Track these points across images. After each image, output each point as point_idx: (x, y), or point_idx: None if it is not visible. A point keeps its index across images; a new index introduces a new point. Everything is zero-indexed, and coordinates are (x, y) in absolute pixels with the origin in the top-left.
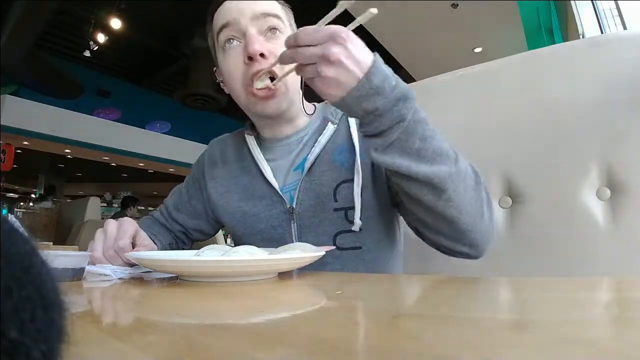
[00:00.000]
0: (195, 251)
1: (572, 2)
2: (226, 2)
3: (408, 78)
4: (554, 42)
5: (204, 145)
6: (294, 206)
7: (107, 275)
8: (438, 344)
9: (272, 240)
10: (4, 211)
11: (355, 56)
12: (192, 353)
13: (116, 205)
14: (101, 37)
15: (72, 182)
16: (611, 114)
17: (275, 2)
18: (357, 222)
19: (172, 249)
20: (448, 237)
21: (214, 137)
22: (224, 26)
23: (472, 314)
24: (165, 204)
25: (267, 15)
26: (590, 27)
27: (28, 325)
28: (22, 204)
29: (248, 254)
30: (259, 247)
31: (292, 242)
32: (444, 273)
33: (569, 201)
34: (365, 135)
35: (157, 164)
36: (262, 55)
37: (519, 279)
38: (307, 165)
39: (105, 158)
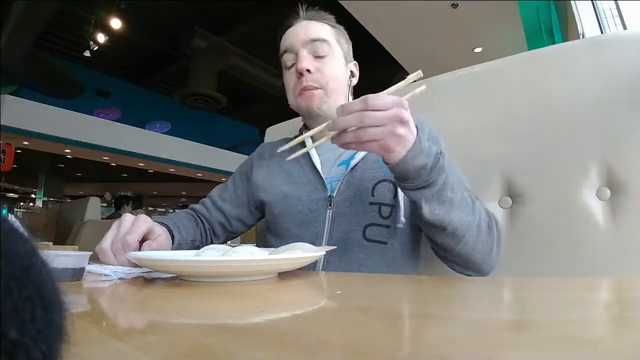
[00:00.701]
0: (195, 251)
1: (572, 2)
2: (289, 29)
3: None
4: (554, 42)
5: (204, 145)
6: (334, 195)
7: (107, 275)
8: (438, 344)
9: (306, 222)
10: (4, 211)
11: (412, 123)
12: (192, 353)
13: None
14: (101, 37)
15: (72, 182)
16: (611, 114)
17: (326, 26)
18: (402, 219)
19: (194, 246)
20: (459, 265)
21: (214, 137)
22: (285, 51)
23: (472, 314)
24: (209, 196)
25: (315, 40)
26: (590, 27)
27: (28, 325)
28: (22, 204)
29: (248, 254)
30: (292, 227)
31: (325, 226)
32: (444, 273)
33: (569, 201)
34: (412, 190)
35: (157, 164)
36: (308, 70)
37: (519, 279)
38: (353, 163)
39: (105, 158)
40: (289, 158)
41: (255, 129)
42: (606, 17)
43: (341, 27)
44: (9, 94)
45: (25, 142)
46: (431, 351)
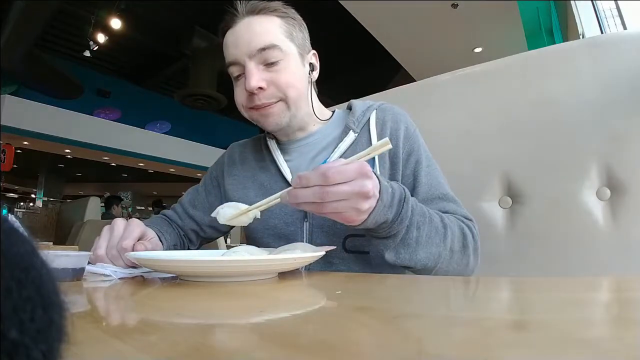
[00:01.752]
0: (195, 251)
1: (572, 2)
2: (228, 36)
3: (408, 78)
4: (554, 42)
5: (204, 145)
6: None
7: (107, 275)
8: (438, 344)
9: (284, 236)
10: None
11: (376, 184)
12: (192, 353)
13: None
14: (101, 37)
15: (72, 182)
16: (611, 114)
17: (273, 20)
18: None
19: (175, 249)
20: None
21: (214, 137)
22: (230, 64)
23: (472, 314)
24: (180, 202)
25: (262, 50)
26: (590, 27)
27: (28, 325)
28: (22, 204)
29: (248, 254)
30: (270, 242)
31: (303, 240)
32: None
33: (569, 201)
34: (375, 238)
35: (157, 164)
36: (261, 88)
37: (519, 279)
38: None
39: (105, 158)
40: (233, 222)
41: (255, 129)
42: (606, 17)
43: (291, 11)
44: (9, 94)
45: (25, 142)
46: (431, 351)
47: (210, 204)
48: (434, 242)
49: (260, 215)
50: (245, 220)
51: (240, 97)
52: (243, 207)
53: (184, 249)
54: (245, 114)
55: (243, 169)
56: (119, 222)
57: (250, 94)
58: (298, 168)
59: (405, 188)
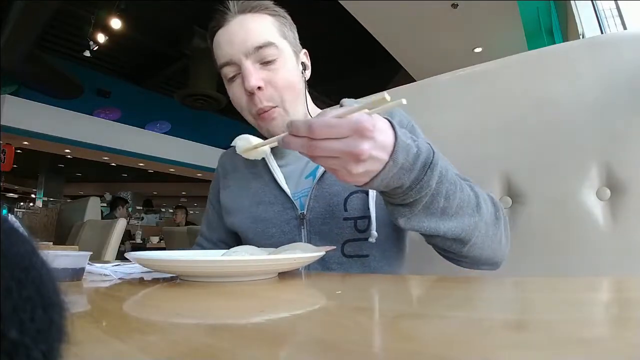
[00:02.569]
0: (195, 251)
1: (572, 2)
2: (219, 35)
3: (408, 78)
4: (554, 42)
5: (204, 145)
6: (305, 213)
7: (107, 275)
8: (438, 344)
9: (281, 244)
10: (4, 211)
11: (382, 144)
12: (192, 353)
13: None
14: (101, 37)
15: (72, 182)
16: (611, 114)
17: (266, 18)
18: (374, 233)
19: None
20: (470, 264)
21: (214, 137)
22: (224, 64)
23: (472, 314)
24: (202, 235)
25: (259, 48)
26: (590, 27)
27: (28, 325)
28: (22, 204)
29: (248, 254)
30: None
31: None
32: (444, 273)
33: (569, 201)
34: (389, 204)
35: (157, 164)
36: (259, 88)
37: (519, 279)
38: (319, 173)
39: (105, 158)
40: (245, 155)
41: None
42: (606, 17)
43: (281, 10)
44: (9, 94)
45: (25, 142)
46: (431, 351)
47: (218, 223)
48: (466, 213)
49: (257, 195)
50: (256, 156)
51: (239, 99)
52: (254, 140)
53: None
54: (252, 121)
55: (235, 177)
56: None
57: (250, 95)
58: (292, 173)
59: (436, 151)
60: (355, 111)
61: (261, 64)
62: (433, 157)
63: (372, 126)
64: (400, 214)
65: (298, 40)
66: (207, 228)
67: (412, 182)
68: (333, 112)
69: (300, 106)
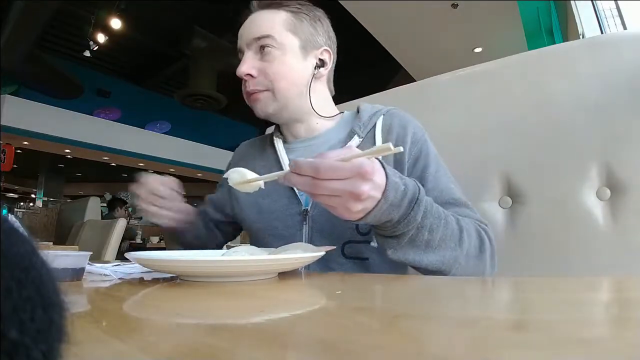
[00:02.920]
0: (195, 251)
1: (572, 2)
2: (241, 27)
3: (408, 78)
4: (554, 42)
5: (204, 145)
6: (309, 209)
7: (107, 275)
8: (438, 344)
9: (284, 238)
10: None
11: (378, 185)
12: (192, 353)
13: None
14: (101, 37)
15: (72, 182)
16: (611, 114)
17: (279, 14)
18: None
19: (199, 240)
20: None
21: (214, 137)
22: (238, 51)
23: (472, 314)
24: (205, 202)
25: (258, 39)
26: (590, 27)
27: (28, 325)
28: (22, 204)
29: (248, 254)
30: (271, 244)
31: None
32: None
33: (569, 201)
34: (378, 235)
35: (157, 164)
36: (251, 75)
37: (519, 279)
38: None
39: (105, 158)
40: (238, 188)
41: (255, 129)
42: (606, 17)
43: (307, 8)
44: (9, 94)
45: (25, 142)
46: (431, 351)
47: (219, 202)
48: (448, 246)
49: (265, 186)
50: (249, 189)
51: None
52: (249, 175)
53: (209, 241)
54: (247, 102)
55: (249, 167)
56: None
57: (243, 80)
58: None
59: (421, 188)
60: (356, 156)
61: (260, 54)
62: (419, 194)
63: (372, 169)
64: (389, 245)
65: (322, 37)
66: (211, 199)
67: (400, 216)
68: (334, 153)
69: (295, 97)
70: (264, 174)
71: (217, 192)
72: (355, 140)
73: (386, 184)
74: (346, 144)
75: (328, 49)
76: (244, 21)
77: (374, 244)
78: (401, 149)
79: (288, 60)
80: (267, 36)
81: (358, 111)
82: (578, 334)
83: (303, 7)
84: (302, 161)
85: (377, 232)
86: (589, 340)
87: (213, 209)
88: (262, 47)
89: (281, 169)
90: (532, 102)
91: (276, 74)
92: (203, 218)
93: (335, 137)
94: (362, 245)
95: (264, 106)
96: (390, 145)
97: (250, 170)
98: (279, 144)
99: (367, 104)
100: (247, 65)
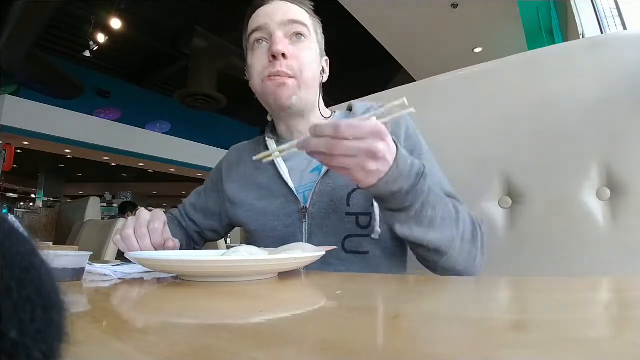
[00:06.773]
0: (195, 251)
1: (572, 2)
2: (260, 8)
3: (408, 78)
4: (554, 42)
5: (204, 145)
6: (308, 206)
7: (107, 275)
8: (438, 344)
9: (283, 238)
10: (4, 211)
11: (391, 148)
12: (192, 353)
13: (116, 206)
14: (101, 37)
15: (72, 182)
16: (611, 114)
17: (304, 11)
18: (377, 229)
19: (181, 249)
20: (441, 273)
21: (214, 137)
22: (255, 29)
23: (472, 314)
24: (184, 203)
25: (294, 22)
26: (590, 27)
27: (28, 325)
28: (22, 204)
29: (248, 254)
30: (270, 244)
31: (302, 241)
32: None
33: (569, 201)
34: (387, 210)
35: (157, 164)
36: (284, 55)
37: (519, 279)
38: (324, 168)
39: (105, 158)
40: (256, 158)
41: (255, 129)
42: (606, 17)
43: (318, 19)
44: (9, 94)
45: (25, 142)
46: (431, 351)
47: (210, 209)
48: (448, 226)
49: (261, 188)
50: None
51: (259, 64)
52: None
53: (189, 248)
54: (260, 85)
55: (241, 171)
56: (144, 211)
57: (273, 59)
58: (297, 167)
59: (425, 165)
60: (369, 118)
61: (291, 39)
62: (424, 169)
63: (386, 131)
64: (397, 219)
65: (324, 49)
66: (191, 204)
67: (409, 187)
68: (349, 119)
69: (312, 93)
70: (259, 177)
71: (203, 197)
72: None
73: (397, 152)
74: None
75: (327, 58)
76: (263, 5)
77: (374, 235)
78: (413, 109)
79: (314, 55)
80: (304, 24)
81: (350, 109)
82: (578, 334)
83: (315, 15)
84: (322, 123)
85: (386, 207)
86: (589, 340)
87: (203, 216)
88: (297, 34)
89: (276, 169)
90: (532, 102)
91: (307, 63)
92: (186, 231)
93: None
94: (362, 239)
95: (291, 92)
96: (405, 99)
97: (243, 174)
98: (272, 144)
99: (359, 100)
100: (284, 45)
